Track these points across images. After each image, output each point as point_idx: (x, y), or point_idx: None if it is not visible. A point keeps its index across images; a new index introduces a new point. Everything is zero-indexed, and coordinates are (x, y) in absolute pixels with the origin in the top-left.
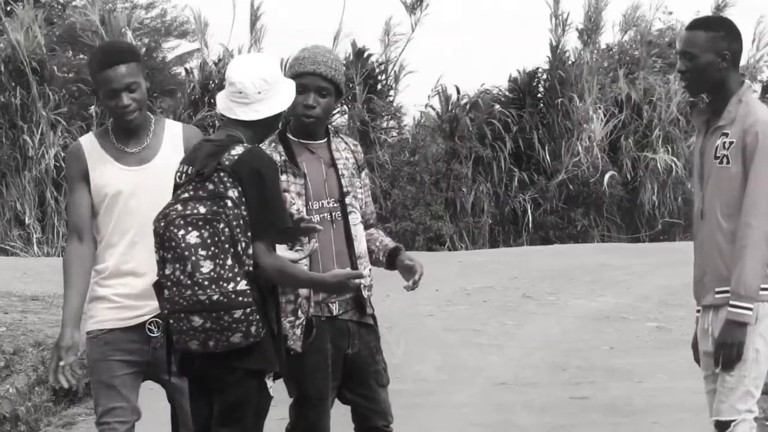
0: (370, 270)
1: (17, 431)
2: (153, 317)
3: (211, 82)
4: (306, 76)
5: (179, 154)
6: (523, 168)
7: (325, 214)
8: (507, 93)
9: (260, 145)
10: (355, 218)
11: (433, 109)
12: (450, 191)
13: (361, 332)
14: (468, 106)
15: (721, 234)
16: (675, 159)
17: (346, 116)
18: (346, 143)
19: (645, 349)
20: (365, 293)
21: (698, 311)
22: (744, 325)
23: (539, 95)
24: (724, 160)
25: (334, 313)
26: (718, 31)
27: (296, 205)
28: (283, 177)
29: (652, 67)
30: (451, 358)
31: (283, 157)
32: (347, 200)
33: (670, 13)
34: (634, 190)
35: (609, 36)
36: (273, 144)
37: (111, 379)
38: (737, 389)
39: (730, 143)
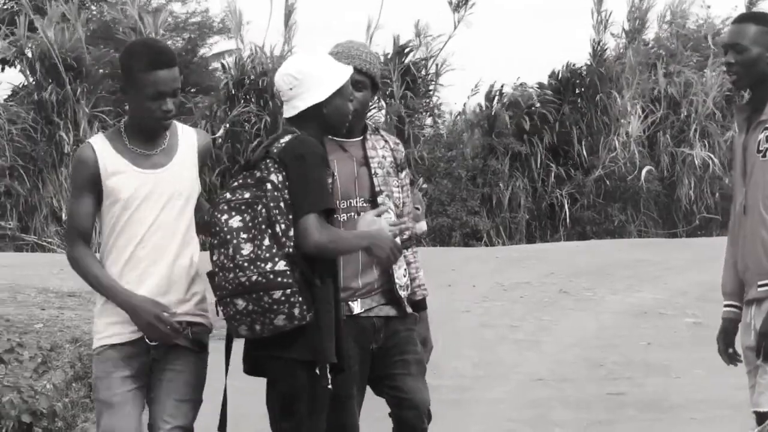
0: (405, 270)
1: (55, 427)
2: None
3: (246, 78)
4: None
5: (194, 159)
6: (560, 163)
7: (353, 214)
8: (546, 89)
9: None
10: (388, 218)
11: (478, 105)
12: (486, 187)
13: (388, 325)
14: (507, 102)
15: (764, 228)
16: (711, 155)
17: (383, 111)
18: (385, 141)
19: (682, 344)
20: (402, 293)
21: (728, 306)
22: None
23: (579, 91)
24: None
25: (355, 312)
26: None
27: None
28: None
29: (688, 61)
30: (487, 353)
31: None
32: (379, 200)
33: (709, 7)
34: (671, 186)
35: (651, 33)
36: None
37: (111, 397)
38: None
39: None
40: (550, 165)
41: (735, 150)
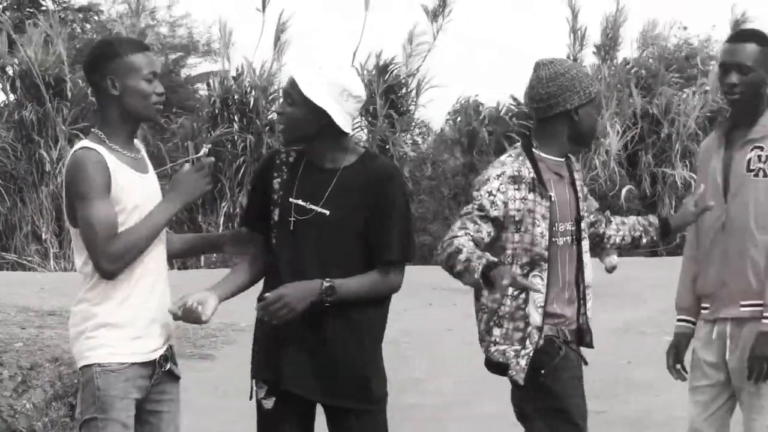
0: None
1: None
2: (165, 350)
3: (230, 97)
4: None
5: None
6: None
7: (567, 238)
8: (524, 106)
9: (506, 156)
10: (586, 245)
11: (454, 122)
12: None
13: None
14: (486, 120)
15: (755, 247)
16: (693, 174)
17: (365, 131)
18: (575, 163)
19: (663, 362)
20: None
21: (682, 321)
22: None
23: None
24: (761, 173)
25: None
26: None
27: (540, 228)
28: (530, 196)
29: (669, 82)
30: (470, 371)
31: (531, 175)
32: (582, 224)
33: (685, 28)
34: (652, 205)
35: (626, 51)
36: (521, 158)
37: (128, 419)
38: None
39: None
40: None
41: (709, 165)
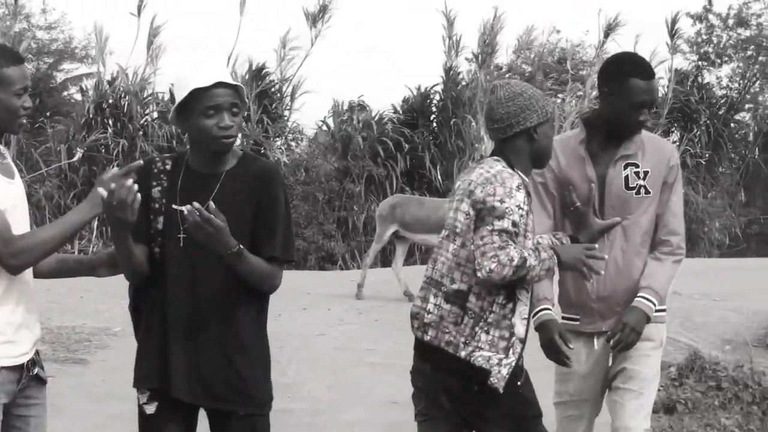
0: None
1: None
2: (33, 354)
3: (104, 102)
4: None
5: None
6: (415, 187)
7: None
8: (399, 113)
9: (502, 165)
10: None
11: (328, 127)
12: (343, 210)
13: None
14: (361, 125)
15: (639, 257)
16: None
17: (239, 136)
18: None
19: (534, 370)
20: None
21: (547, 309)
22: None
23: (432, 115)
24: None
25: None
26: None
27: (530, 242)
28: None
29: (543, 87)
30: (343, 377)
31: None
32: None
33: (558, 31)
34: None
35: (503, 57)
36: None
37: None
38: (645, 408)
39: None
40: (405, 189)
41: (579, 179)
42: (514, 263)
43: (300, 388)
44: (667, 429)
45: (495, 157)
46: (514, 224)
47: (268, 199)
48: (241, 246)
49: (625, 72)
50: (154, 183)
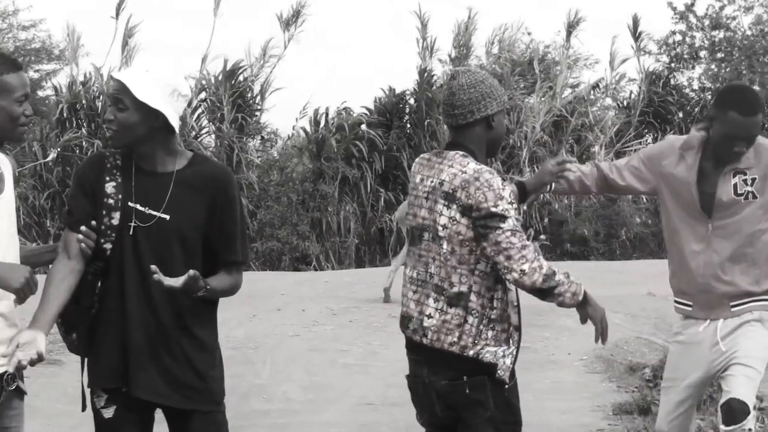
0: None
1: None
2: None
3: (78, 102)
4: None
5: (12, 185)
6: (389, 188)
7: None
8: (374, 113)
9: (474, 162)
10: None
11: (303, 129)
12: (317, 211)
13: None
14: (335, 126)
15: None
16: None
17: (212, 136)
18: None
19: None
20: None
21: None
22: None
23: (406, 116)
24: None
25: None
26: None
27: None
28: None
29: (515, 86)
30: (317, 378)
31: None
32: None
33: (530, 33)
34: None
35: (476, 60)
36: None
37: None
38: (754, 381)
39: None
40: (379, 190)
41: (693, 185)
42: (543, 271)
43: (275, 389)
44: (641, 430)
45: (461, 153)
46: (517, 220)
47: (224, 202)
48: (208, 284)
49: (728, 103)
50: (108, 178)
